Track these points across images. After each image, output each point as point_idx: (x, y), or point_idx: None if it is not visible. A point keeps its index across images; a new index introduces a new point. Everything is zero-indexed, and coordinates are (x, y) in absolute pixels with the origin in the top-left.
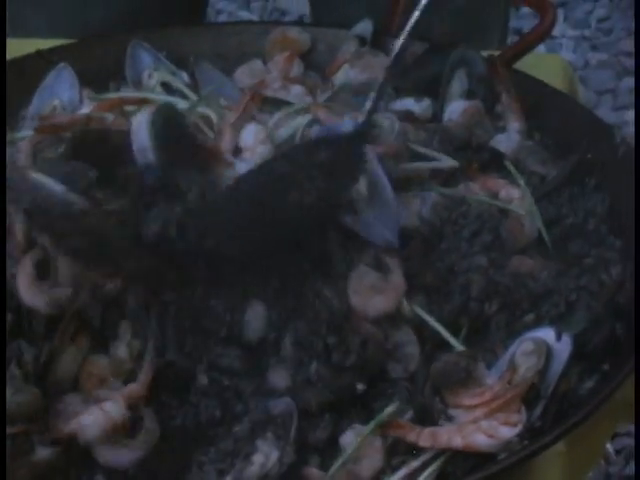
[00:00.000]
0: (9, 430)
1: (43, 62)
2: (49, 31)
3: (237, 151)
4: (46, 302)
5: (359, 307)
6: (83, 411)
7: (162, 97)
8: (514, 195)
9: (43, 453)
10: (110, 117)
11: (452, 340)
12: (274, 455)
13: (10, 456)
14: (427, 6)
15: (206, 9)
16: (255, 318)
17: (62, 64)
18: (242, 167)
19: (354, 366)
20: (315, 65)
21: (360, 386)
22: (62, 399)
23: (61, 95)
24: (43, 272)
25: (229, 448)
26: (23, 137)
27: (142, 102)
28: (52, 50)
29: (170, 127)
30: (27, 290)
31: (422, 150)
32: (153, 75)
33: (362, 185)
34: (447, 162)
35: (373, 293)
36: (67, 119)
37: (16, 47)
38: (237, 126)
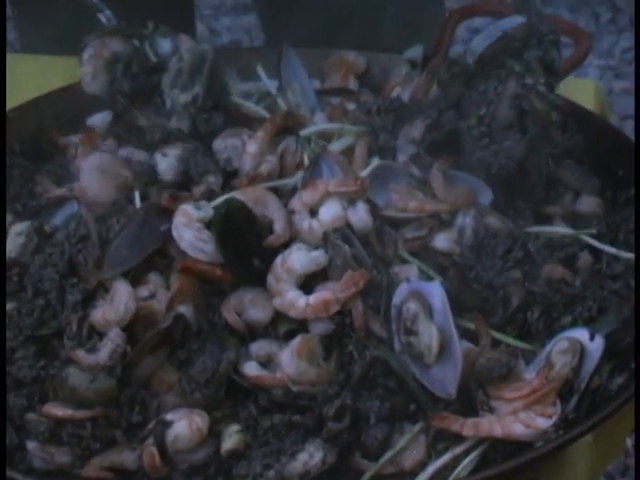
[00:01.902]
0: (87, 414)
1: None
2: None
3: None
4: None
5: None
6: (177, 420)
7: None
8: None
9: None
10: None
11: (510, 340)
12: (318, 455)
13: (91, 437)
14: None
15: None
16: None
17: None
18: (301, 248)
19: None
20: (370, 86)
21: (412, 407)
22: (160, 398)
23: None
24: None
25: (279, 447)
26: None
27: None
28: None
29: (233, 221)
30: None
31: None
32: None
33: (435, 341)
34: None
35: None
36: None
37: None
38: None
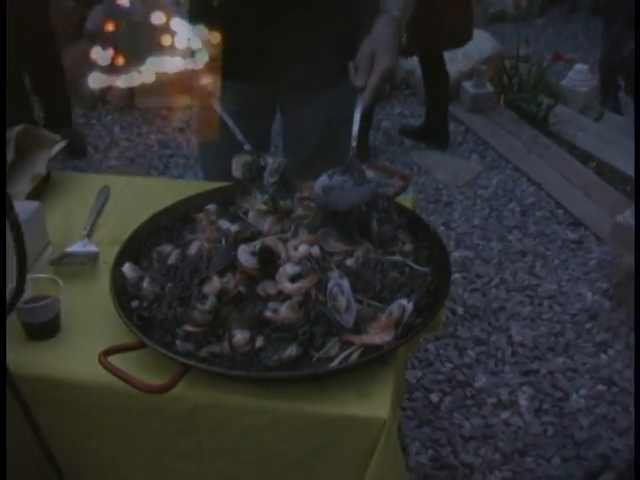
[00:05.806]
0: (201, 330)
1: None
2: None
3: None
4: None
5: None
6: (237, 333)
7: None
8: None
9: (214, 340)
10: None
11: (375, 303)
12: (294, 350)
13: (202, 339)
14: None
15: None
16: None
17: None
18: (290, 264)
19: (332, 320)
20: None
21: (334, 330)
22: (230, 324)
23: None
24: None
25: (278, 346)
26: None
27: None
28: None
29: (266, 253)
30: None
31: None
32: None
33: (344, 304)
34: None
35: None
36: None
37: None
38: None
